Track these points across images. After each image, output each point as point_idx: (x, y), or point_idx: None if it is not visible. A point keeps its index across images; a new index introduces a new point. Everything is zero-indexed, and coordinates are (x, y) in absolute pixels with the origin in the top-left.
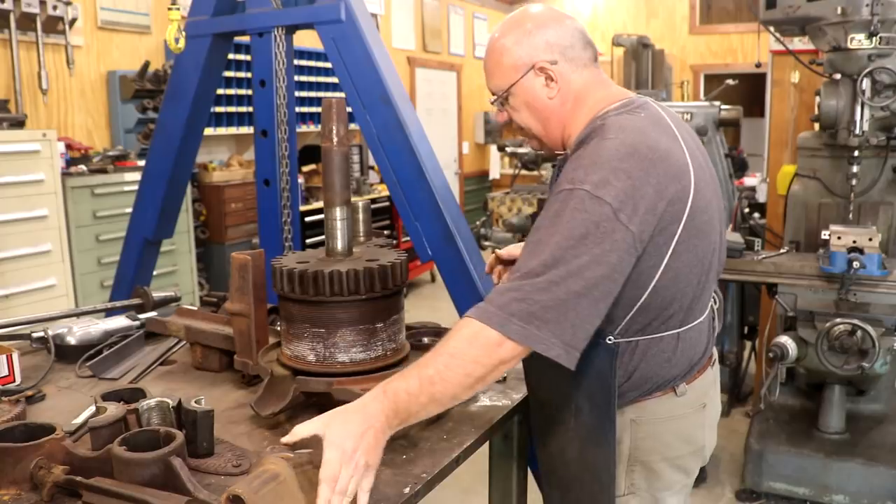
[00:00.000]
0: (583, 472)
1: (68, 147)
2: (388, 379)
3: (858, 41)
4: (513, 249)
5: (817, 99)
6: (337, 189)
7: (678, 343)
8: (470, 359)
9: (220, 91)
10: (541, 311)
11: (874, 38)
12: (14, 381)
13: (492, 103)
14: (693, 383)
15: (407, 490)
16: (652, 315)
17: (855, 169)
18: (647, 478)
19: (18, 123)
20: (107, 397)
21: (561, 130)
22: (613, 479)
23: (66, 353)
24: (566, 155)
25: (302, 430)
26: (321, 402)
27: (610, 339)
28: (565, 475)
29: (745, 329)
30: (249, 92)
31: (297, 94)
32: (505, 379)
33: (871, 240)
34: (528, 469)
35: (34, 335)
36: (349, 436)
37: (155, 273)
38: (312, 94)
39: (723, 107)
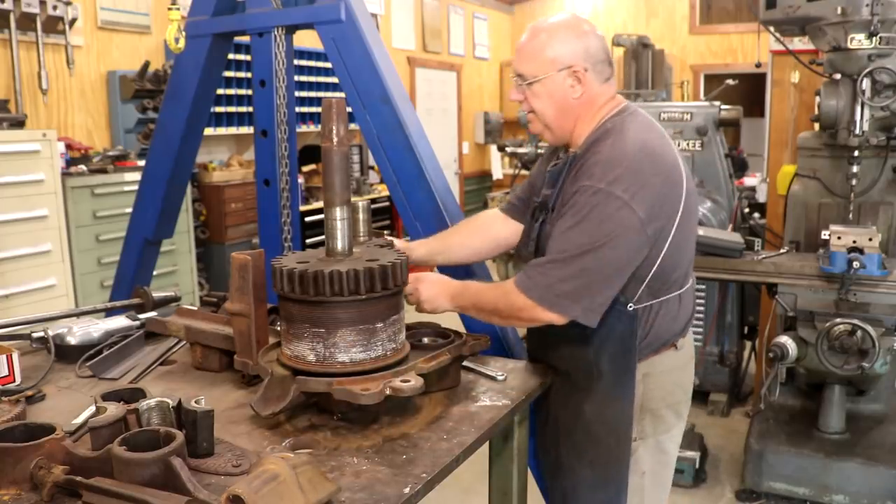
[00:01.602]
0: (600, 428)
1: (68, 147)
2: (471, 282)
3: (858, 41)
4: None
5: (817, 99)
6: (337, 189)
7: (680, 302)
8: (502, 303)
9: (220, 91)
10: (570, 291)
11: (874, 38)
12: (14, 381)
13: (517, 83)
14: (685, 339)
15: (407, 490)
16: (661, 280)
17: (855, 169)
18: (654, 423)
19: (18, 123)
20: (107, 397)
21: (572, 126)
22: (631, 431)
23: (66, 353)
24: (575, 153)
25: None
26: (321, 403)
27: (630, 307)
28: (582, 439)
29: (745, 329)
30: (249, 92)
31: (297, 94)
32: (506, 378)
33: (871, 240)
34: (528, 469)
35: (34, 335)
36: (428, 282)
37: (155, 273)
38: (312, 94)
39: (723, 107)
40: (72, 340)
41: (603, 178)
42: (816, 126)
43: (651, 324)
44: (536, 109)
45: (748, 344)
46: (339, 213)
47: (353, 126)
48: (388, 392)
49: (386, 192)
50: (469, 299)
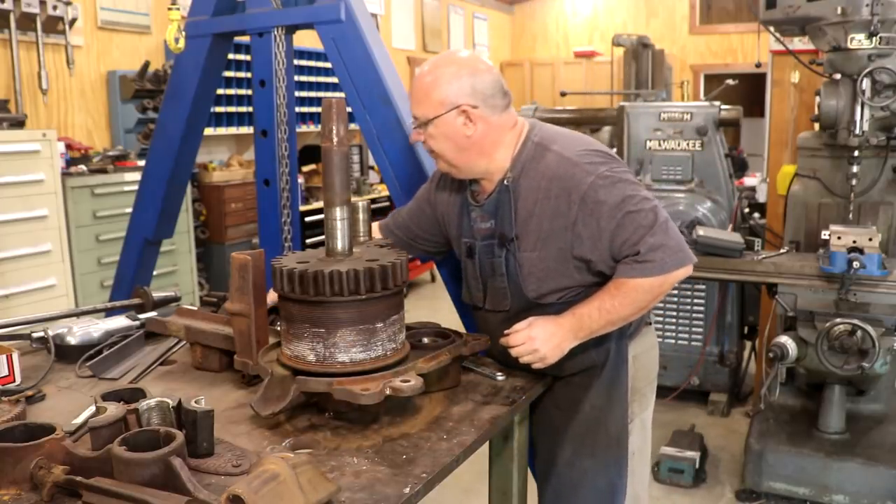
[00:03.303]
0: (600, 416)
1: (68, 147)
2: (578, 304)
3: (858, 41)
4: None
5: (817, 99)
6: (337, 189)
7: None
8: (641, 298)
9: (220, 91)
10: (679, 240)
11: (874, 38)
12: (14, 381)
13: (413, 125)
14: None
15: (407, 490)
16: None
17: (855, 169)
18: (640, 403)
19: (18, 123)
20: (107, 397)
21: (481, 160)
22: (627, 409)
23: (66, 353)
24: (507, 178)
25: (516, 328)
26: (321, 402)
27: None
28: (581, 431)
29: (745, 329)
30: (249, 92)
31: (297, 94)
32: (506, 378)
33: (871, 240)
34: (529, 469)
35: (34, 335)
36: (543, 333)
37: (155, 273)
38: (312, 94)
39: (723, 107)
40: (72, 340)
41: (591, 171)
42: (816, 126)
43: None
44: (435, 150)
45: (748, 344)
46: (339, 213)
47: (353, 126)
48: (388, 392)
49: (386, 192)
50: (595, 324)
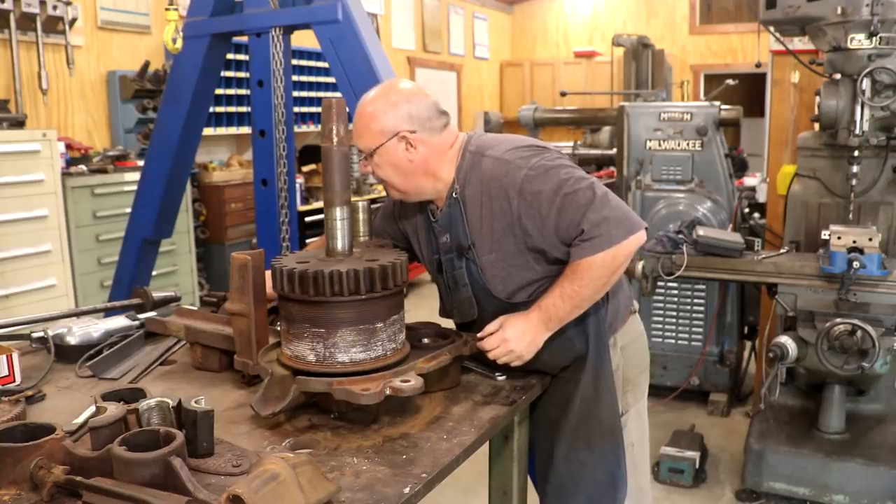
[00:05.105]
0: (591, 407)
1: (68, 147)
2: (542, 297)
3: (858, 41)
4: None
5: (817, 99)
6: (337, 189)
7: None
8: (598, 275)
9: (220, 91)
10: (624, 209)
11: (874, 38)
12: (14, 381)
13: (359, 158)
14: (634, 298)
15: (407, 490)
16: None
17: (855, 169)
18: (634, 393)
19: (18, 123)
20: (107, 397)
21: (427, 181)
22: (617, 396)
23: (66, 353)
24: (454, 191)
25: (488, 329)
26: (321, 403)
27: None
28: (576, 425)
29: (745, 329)
30: (249, 92)
31: (296, 94)
32: (506, 378)
33: (871, 240)
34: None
35: (34, 335)
36: (515, 332)
37: (155, 273)
38: (312, 94)
39: (723, 107)
40: (72, 340)
41: (523, 165)
42: (816, 126)
43: (613, 292)
44: (383, 178)
45: (748, 344)
46: (339, 213)
47: (352, 126)
48: (388, 392)
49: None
50: (562, 311)
